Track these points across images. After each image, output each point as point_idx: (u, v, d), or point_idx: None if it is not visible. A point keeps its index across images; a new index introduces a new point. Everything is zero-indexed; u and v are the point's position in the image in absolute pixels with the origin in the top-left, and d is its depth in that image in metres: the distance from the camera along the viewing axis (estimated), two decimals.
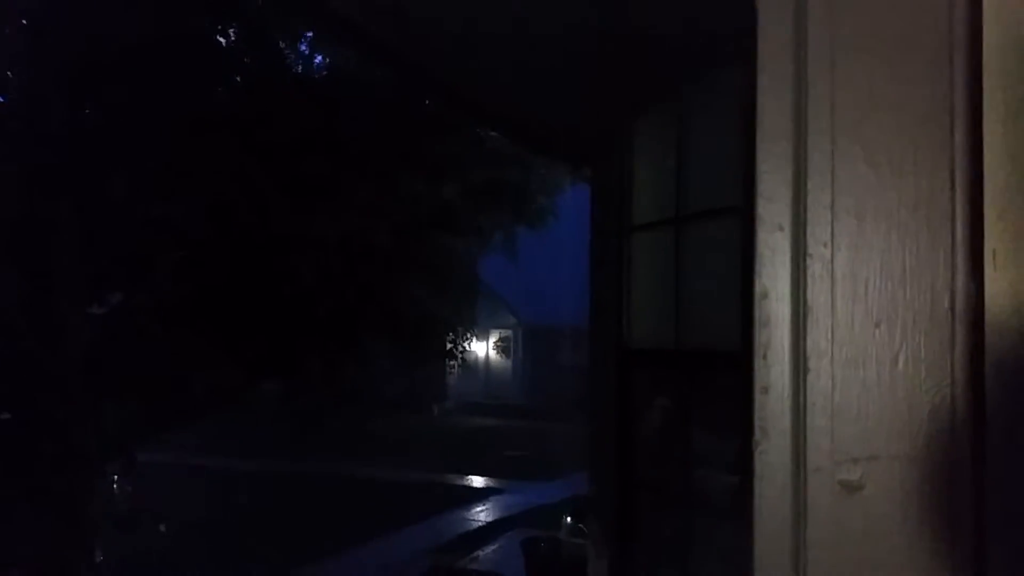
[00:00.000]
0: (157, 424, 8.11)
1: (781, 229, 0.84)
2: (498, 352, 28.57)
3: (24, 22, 6.56)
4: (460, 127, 8.07)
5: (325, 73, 8.59)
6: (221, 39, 7.68)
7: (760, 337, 0.84)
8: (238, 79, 7.25)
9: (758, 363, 0.84)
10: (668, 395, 3.61)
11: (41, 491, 6.76)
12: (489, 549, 12.24)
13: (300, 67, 8.58)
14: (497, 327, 27.53)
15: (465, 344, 17.08)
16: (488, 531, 13.21)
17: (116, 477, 8.19)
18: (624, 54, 3.06)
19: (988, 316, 0.77)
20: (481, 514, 14.33)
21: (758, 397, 0.83)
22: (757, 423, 0.83)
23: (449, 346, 12.41)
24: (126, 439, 7.73)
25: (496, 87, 3.95)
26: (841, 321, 0.81)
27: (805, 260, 0.82)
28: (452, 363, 17.92)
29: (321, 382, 8.70)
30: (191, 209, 6.84)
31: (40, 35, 6.47)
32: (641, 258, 3.60)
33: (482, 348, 27.89)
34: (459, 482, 16.92)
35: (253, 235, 6.99)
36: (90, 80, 6.46)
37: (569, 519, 9.56)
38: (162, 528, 8.78)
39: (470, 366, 25.93)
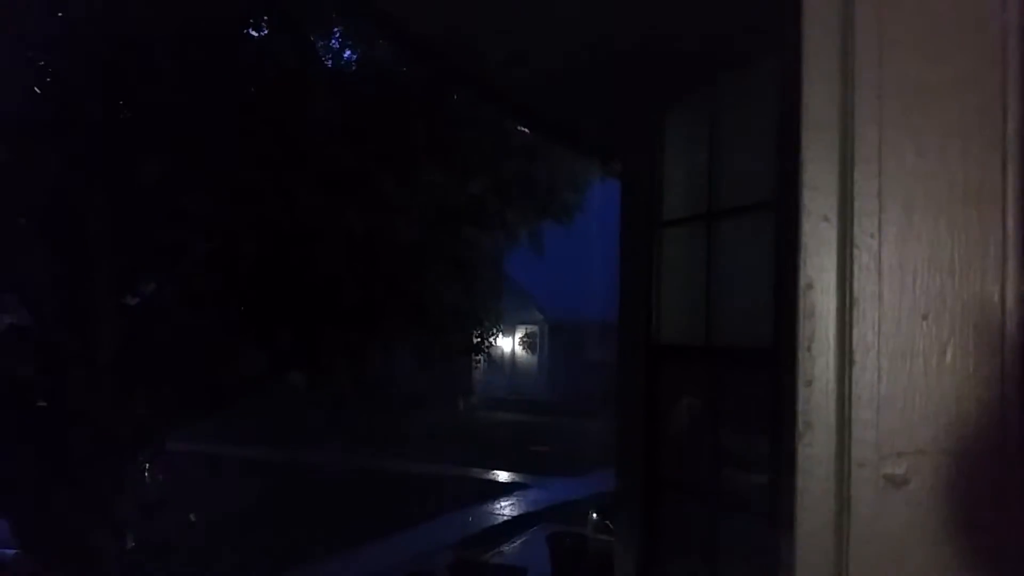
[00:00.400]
0: (186, 413, 8.22)
1: (827, 220, 0.83)
2: (524, 348, 28.57)
3: (59, 14, 6.66)
4: (488, 121, 8.06)
5: (354, 67, 8.63)
6: (253, 32, 7.74)
7: (804, 329, 0.82)
8: (269, 72, 7.30)
9: (802, 355, 0.82)
10: (697, 392, 3.59)
11: (74, 478, 6.88)
12: (514, 543, 12.26)
13: (330, 61, 8.63)
14: (523, 323, 27.52)
15: (491, 339, 17.11)
16: (513, 526, 13.23)
17: (147, 466, 8.30)
18: (656, 47, 3.04)
19: None
20: (506, 509, 14.36)
21: (802, 390, 0.82)
22: (801, 416, 0.82)
23: (475, 341, 12.42)
24: (156, 428, 7.84)
25: (525, 81, 3.94)
26: (888, 313, 0.79)
27: (852, 251, 0.81)
28: (478, 358, 17.97)
29: (346, 374, 8.75)
30: (221, 201, 6.90)
31: (74, 26, 6.56)
32: (671, 254, 3.58)
33: (508, 344, 27.91)
34: (484, 477, 16.97)
35: (282, 227, 7.04)
36: (123, 71, 6.54)
37: (595, 515, 9.54)
38: (192, 517, 8.90)
39: (496, 361, 25.99)
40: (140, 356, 7.18)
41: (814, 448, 0.80)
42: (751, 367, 2.90)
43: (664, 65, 3.20)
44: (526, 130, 7.96)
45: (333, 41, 8.66)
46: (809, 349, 0.82)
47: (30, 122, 6.47)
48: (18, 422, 7.02)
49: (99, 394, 6.95)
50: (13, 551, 7.64)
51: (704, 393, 3.51)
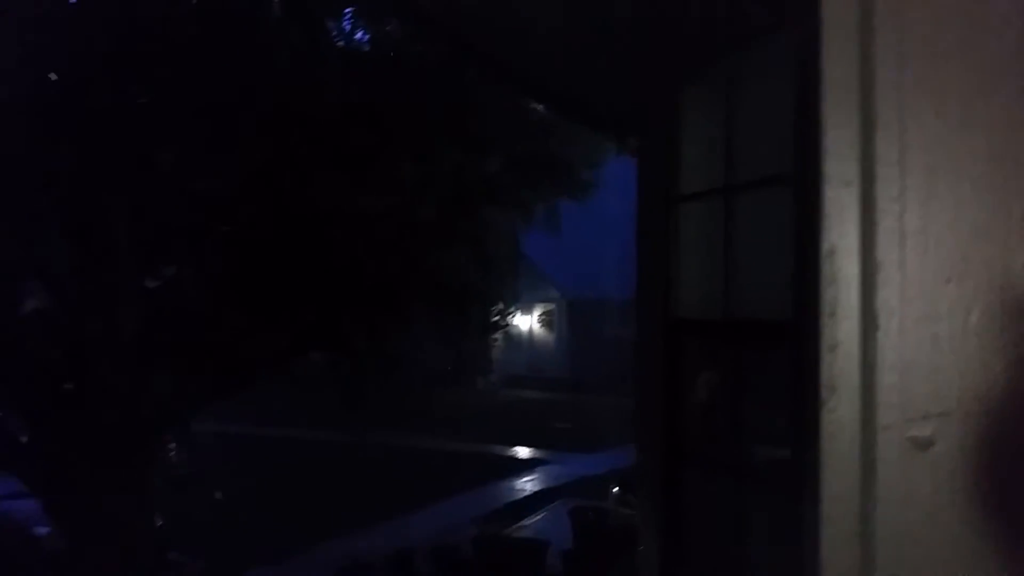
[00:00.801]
0: (209, 393, 8.32)
1: (849, 185, 0.82)
2: (542, 326, 28.62)
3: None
4: (504, 100, 8.02)
5: (368, 47, 8.60)
6: (265, 14, 7.73)
7: (827, 295, 0.82)
8: (283, 54, 7.30)
9: (826, 321, 0.82)
10: (716, 365, 3.58)
11: (102, 458, 7.00)
12: (536, 518, 12.35)
13: (344, 41, 8.60)
14: (541, 301, 27.55)
15: (509, 318, 17.15)
16: (535, 500, 13.33)
17: (173, 444, 8.43)
18: (671, 18, 3.00)
19: None
20: (527, 484, 14.46)
21: (826, 355, 0.82)
22: (825, 381, 0.82)
23: (493, 319, 12.46)
24: (180, 408, 7.95)
25: (540, 57, 3.92)
26: (912, 277, 0.79)
27: (874, 216, 0.81)
28: (496, 336, 18.04)
29: (366, 353, 8.81)
30: (239, 183, 6.93)
31: (87, 10, 6.58)
32: (689, 228, 3.56)
33: (526, 322, 27.97)
34: (505, 453, 17.08)
35: (300, 208, 7.07)
36: (138, 55, 6.56)
37: (617, 490, 9.60)
38: (218, 495, 9.04)
39: (514, 339, 26.09)
40: (162, 337, 7.26)
41: (838, 412, 0.81)
42: (770, 339, 2.89)
43: (680, 37, 3.17)
44: (541, 107, 7.92)
45: (345, 22, 8.62)
46: (833, 314, 0.82)
47: (48, 108, 6.51)
48: (45, 404, 7.14)
49: (123, 375, 7.05)
50: (46, 529, 7.82)
51: (724, 366, 3.51)
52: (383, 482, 13.84)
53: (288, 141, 6.88)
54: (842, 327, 0.82)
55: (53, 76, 6.91)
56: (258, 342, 7.30)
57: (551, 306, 28.15)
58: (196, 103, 6.74)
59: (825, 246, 0.83)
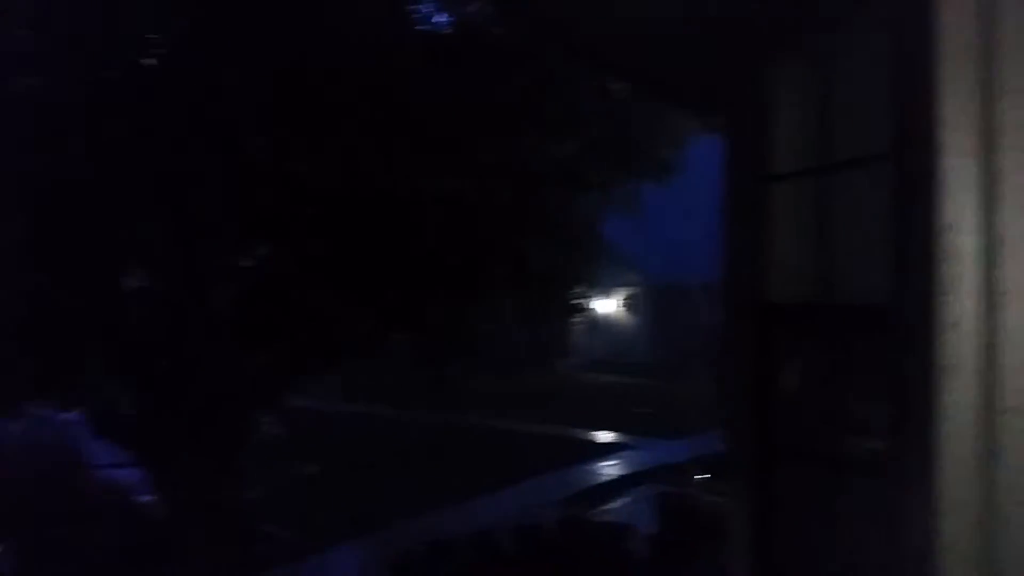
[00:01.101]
0: (300, 371, 8.57)
1: (967, 156, 0.77)
2: (625, 309, 28.42)
3: None
4: (583, 79, 7.93)
5: (449, 29, 8.63)
6: None
7: (943, 272, 0.78)
8: (366, 36, 7.40)
9: (941, 300, 0.78)
10: (809, 350, 3.48)
11: (199, 433, 7.33)
12: (621, 502, 12.33)
13: (426, 23, 8.65)
14: (624, 285, 27.35)
15: (589, 301, 17.08)
16: (619, 485, 13.30)
17: (266, 420, 8.75)
18: None
19: None
20: (611, 468, 14.44)
21: (941, 336, 0.78)
22: (942, 361, 0.78)
23: (574, 302, 12.43)
24: (272, 385, 8.23)
25: (622, 33, 3.85)
26: None
27: (997, 188, 0.76)
28: (577, 320, 18.00)
29: (449, 335, 8.92)
30: (326, 165, 7.07)
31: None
32: (780, 209, 3.45)
33: (608, 306, 27.82)
34: (587, 436, 17.07)
35: (384, 190, 7.19)
36: (228, 39, 6.75)
37: (704, 476, 9.47)
38: (309, 470, 9.35)
39: (596, 324, 26.00)
40: (255, 316, 7.52)
41: (957, 394, 0.77)
42: (869, 321, 2.78)
43: (770, 7, 3.06)
44: (623, 87, 7.80)
45: (426, 4, 8.66)
46: (950, 293, 0.78)
47: (143, 92, 6.79)
48: (148, 380, 7.52)
49: (218, 353, 7.33)
50: (149, 497, 8.29)
51: (817, 351, 3.40)
52: (466, 462, 14.04)
53: (372, 123, 6.98)
54: (960, 306, 0.78)
55: (151, 61, 7.19)
56: (345, 322, 7.47)
57: (634, 290, 27.90)
58: (285, 86, 6.91)
59: (942, 221, 0.79)
